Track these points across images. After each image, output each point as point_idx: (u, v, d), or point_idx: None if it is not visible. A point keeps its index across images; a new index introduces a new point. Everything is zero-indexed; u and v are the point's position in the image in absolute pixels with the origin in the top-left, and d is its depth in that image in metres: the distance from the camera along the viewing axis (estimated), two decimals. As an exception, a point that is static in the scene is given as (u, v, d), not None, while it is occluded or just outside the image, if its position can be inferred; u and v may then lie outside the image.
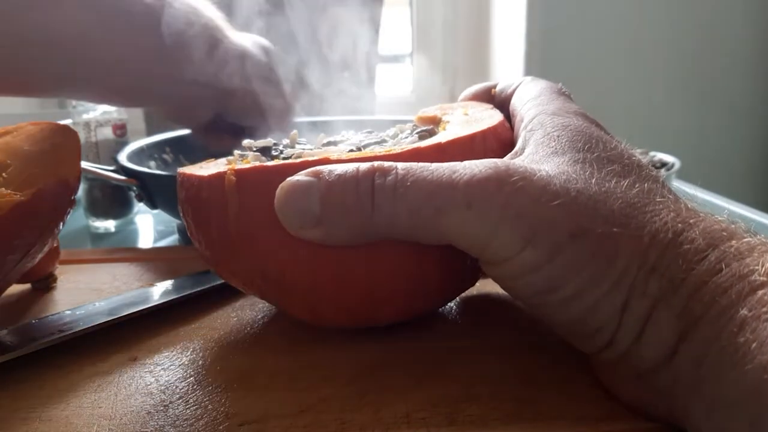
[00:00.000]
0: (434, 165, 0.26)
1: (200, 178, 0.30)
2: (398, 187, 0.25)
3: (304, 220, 0.26)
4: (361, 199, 0.26)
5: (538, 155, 0.27)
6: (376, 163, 0.26)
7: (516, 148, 0.29)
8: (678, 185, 0.65)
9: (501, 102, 0.36)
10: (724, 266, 0.22)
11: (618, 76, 1.41)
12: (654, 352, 0.23)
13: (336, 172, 0.26)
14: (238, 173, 0.28)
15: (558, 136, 0.28)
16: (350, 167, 0.26)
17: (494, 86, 0.37)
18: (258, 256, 0.29)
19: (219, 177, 0.29)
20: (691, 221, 0.24)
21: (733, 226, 0.24)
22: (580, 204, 0.24)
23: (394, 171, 0.26)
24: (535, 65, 1.35)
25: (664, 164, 0.61)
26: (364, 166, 0.26)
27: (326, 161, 0.27)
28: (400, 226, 0.26)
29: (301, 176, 0.26)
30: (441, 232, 0.25)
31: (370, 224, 0.26)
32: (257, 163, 0.30)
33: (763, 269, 0.21)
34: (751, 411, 0.19)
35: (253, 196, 0.28)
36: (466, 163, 0.26)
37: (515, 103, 0.33)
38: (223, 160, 0.33)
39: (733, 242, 0.23)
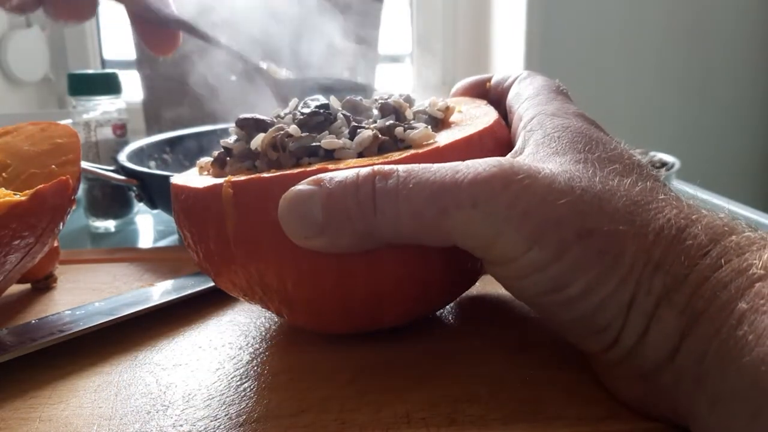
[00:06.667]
0: (436, 165, 0.26)
1: (196, 191, 0.29)
2: (400, 189, 0.25)
3: (308, 230, 0.26)
4: (362, 205, 0.25)
5: (539, 155, 0.27)
6: (376, 167, 0.26)
7: (516, 148, 0.29)
8: (678, 185, 0.65)
9: (496, 96, 0.36)
10: (724, 262, 0.22)
11: (618, 76, 1.41)
12: (657, 350, 0.23)
13: (336, 179, 0.26)
14: (235, 185, 0.28)
15: (558, 137, 0.27)
16: (350, 173, 0.26)
17: (488, 79, 0.37)
18: (258, 268, 0.28)
19: (215, 189, 0.28)
20: (694, 217, 0.24)
21: (733, 222, 0.24)
22: (585, 202, 0.24)
23: (395, 174, 0.25)
24: (535, 65, 1.35)
25: (664, 164, 0.61)
26: (364, 170, 0.26)
27: (324, 170, 0.27)
28: (404, 229, 0.25)
29: (302, 185, 0.26)
30: (446, 233, 0.25)
31: (374, 229, 0.26)
32: (253, 175, 0.29)
33: (761, 263, 0.21)
34: (751, 404, 0.19)
35: (251, 207, 0.28)
36: (469, 162, 0.25)
37: (512, 100, 0.33)
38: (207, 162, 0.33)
39: (734, 237, 0.23)
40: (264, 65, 0.54)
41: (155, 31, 0.51)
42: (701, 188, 0.62)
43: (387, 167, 0.26)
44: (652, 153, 0.63)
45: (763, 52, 1.43)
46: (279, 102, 0.54)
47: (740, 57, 1.43)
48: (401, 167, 0.26)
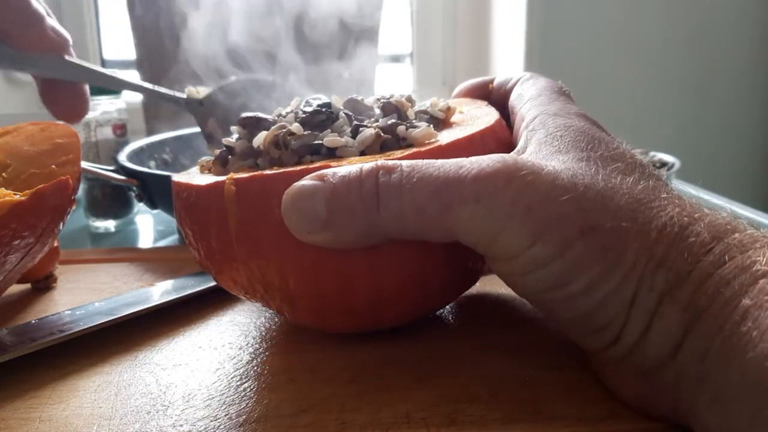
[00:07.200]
0: (440, 161, 0.26)
1: (198, 188, 0.29)
2: (404, 184, 0.25)
3: (312, 225, 0.26)
4: (366, 199, 0.25)
5: (542, 153, 0.27)
6: (379, 162, 0.26)
7: (518, 147, 0.29)
8: (678, 185, 0.65)
9: (499, 97, 0.36)
10: (727, 258, 0.22)
11: (618, 76, 1.41)
12: (659, 347, 0.23)
13: (340, 174, 0.26)
14: (238, 182, 0.28)
15: (561, 136, 0.28)
16: (354, 168, 0.26)
17: (491, 81, 0.37)
18: (260, 265, 0.28)
19: (218, 187, 0.28)
20: (696, 216, 0.24)
21: (736, 221, 0.24)
22: (588, 199, 0.24)
23: (398, 168, 0.26)
24: (535, 65, 1.35)
25: (664, 164, 0.61)
26: (367, 166, 0.26)
27: (327, 167, 0.27)
28: (407, 224, 0.25)
29: (306, 181, 0.26)
30: (448, 228, 0.25)
31: (377, 224, 0.26)
32: (256, 172, 0.29)
33: (765, 259, 0.21)
34: (752, 401, 0.19)
35: (253, 204, 0.28)
36: (473, 158, 0.25)
37: (514, 101, 0.33)
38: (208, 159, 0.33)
39: (737, 235, 0.23)
40: (183, 94, 0.52)
41: (61, 90, 0.42)
42: (701, 188, 0.62)
43: (390, 162, 0.26)
44: (652, 153, 0.63)
45: (763, 52, 1.43)
46: (203, 125, 0.53)
47: (740, 57, 1.43)
48: (405, 162, 0.26)
